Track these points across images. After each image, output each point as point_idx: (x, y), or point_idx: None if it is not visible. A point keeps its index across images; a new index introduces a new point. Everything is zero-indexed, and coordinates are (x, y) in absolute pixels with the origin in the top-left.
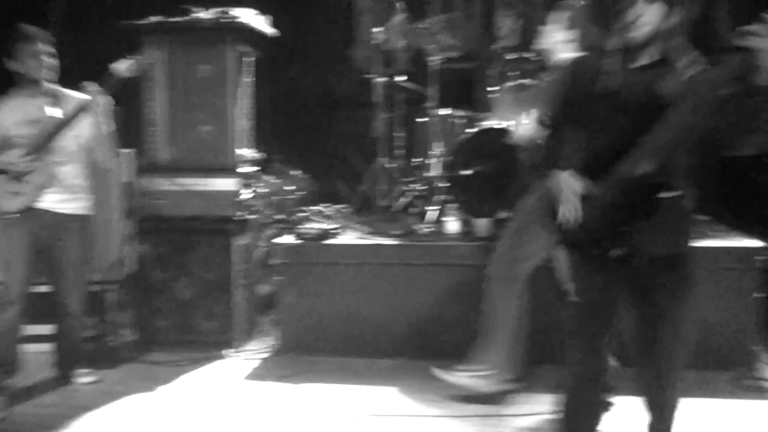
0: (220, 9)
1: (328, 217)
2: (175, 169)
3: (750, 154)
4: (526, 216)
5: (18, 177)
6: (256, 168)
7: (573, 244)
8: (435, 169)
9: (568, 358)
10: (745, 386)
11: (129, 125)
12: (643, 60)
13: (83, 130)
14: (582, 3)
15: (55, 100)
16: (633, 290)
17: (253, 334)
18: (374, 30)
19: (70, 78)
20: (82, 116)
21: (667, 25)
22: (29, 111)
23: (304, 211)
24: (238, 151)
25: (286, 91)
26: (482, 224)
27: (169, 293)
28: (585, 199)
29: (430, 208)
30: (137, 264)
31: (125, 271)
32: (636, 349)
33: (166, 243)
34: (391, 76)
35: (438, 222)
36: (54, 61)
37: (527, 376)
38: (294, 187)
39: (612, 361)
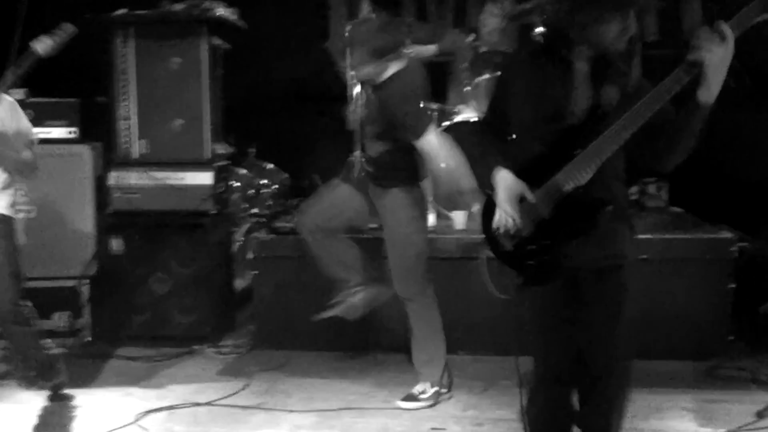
0: (191, 1)
1: None
2: (149, 163)
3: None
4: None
5: None
6: (230, 162)
7: (504, 256)
8: None
9: (532, 353)
10: (720, 376)
11: (101, 119)
12: (581, 65)
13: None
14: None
15: None
16: (568, 304)
17: (230, 328)
18: (348, 23)
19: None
20: None
21: (614, 32)
22: None
23: (280, 205)
24: (213, 145)
25: (260, 85)
26: (458, 217)
27: (143, 288)
28: (521, 204)
29: None
30: (111, 259)
31: (98, 267)
32: (576, 372)
33: (140, 238)
34: None
35: None
36: None
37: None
38: (269, 181)
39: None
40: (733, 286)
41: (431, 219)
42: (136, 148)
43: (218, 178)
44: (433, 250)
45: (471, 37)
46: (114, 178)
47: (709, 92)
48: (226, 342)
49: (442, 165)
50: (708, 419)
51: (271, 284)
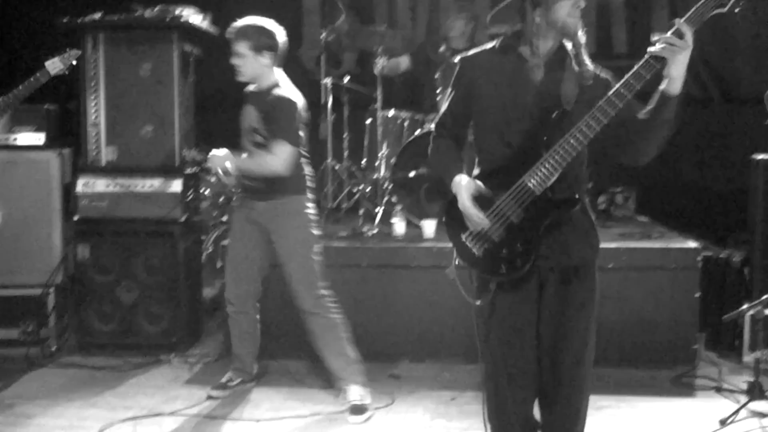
0: (162, 6)
1: None
2: (117, 170)
3: (642, 164)
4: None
5: None
6: (200, 169)
7: (474, 263)
8: (382, 171)
9: (484, 362)
10: (685, 384)
11: (69, 125)
12: (542, 61)
13: None
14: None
15: None
16: (534, 306)
17: (198, 338)
18: (321, 31)
19: (6, 75)
20: None
21: (566, 7)
22: None
23: None
24: (182, 152)
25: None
26: (428, 226)
27: (111, 297)
28: (487, 208)
29: (377, 210)
30: (78, 267)
31: (65, 275)
32: (542, 377)
33: (108, 245)
34: (338, 78)
35: (384, 224)
36: None
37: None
38: (239, 189)
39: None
40: (699, 294)
41: (401, 227)
42: (105, 154)
43: (188, 186)
44: (403, 258)
45: (443, 47)
46: (82, 185)
47: (673, 85)
48: (194, 351)
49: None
50: (673, 427)
51: None
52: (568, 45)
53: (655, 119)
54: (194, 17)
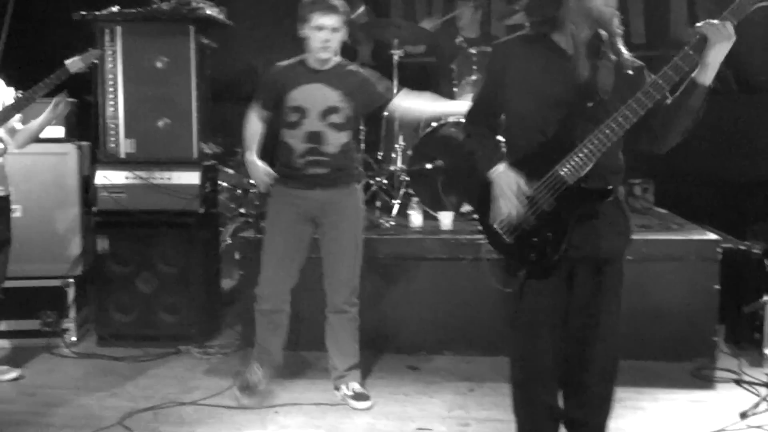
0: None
1: None
2: (136, 162)
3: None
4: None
5: None
6: (217, 161)
7: (504, 250)
8: (398, 163)
9: (511, 352)
10: (704, 377)
11: (88, 118)
12: (578, 50)
13: None
14: None
15: None
16: (563, 297)
17: (216, 329)
18: None
19: (23, 70)
20: None
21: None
22: None
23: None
24: (200, 144)
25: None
26: (445, 218)
27: (130, 288)
28: (521, 197)
29: (394, 201)
30: (97, 258)
31: (84, 266)
32: (568, 366)
33: (126, 237)
34: None
35: (401, 215)
36: None
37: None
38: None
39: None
40: (718, 286)
41: (418, 219)
42: (123, 147)
43: (205, 178)
44: (420, 250)
45: (459, 39)
46: (100, 177)
47: (707, 74)
48: (212, 342)
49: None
50: (693, 419)
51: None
52: (604, 34)
53: (680, 107)
54: (210, 10)
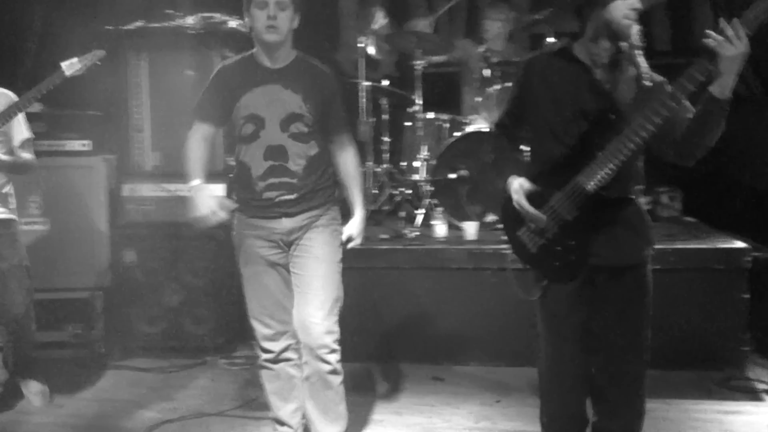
0: (204, 14)
1: None
2: (162, 174)
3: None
4: None
5: None
6: None
7: (528, 259)
8: (421, 173)
9: (539, 362)
10: (733, 387)
11: (114, 131)
12: (599, 62)
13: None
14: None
15: None
16: (585, 306)
17: (243, 340)
18: (358, 34)
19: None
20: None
21: (622, 8)
22: None
23: None
24: (225, 157)
25: None
26: (469, 227)
27: (157, 299)
28: (544, 207)
29: (418, 211)
30: (124, 271)
31: (112, 278)
32: (595, 376)
33: (153, 249)
34: (377, 81)
35: (425, 226)
36: None
37: None
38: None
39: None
40: (748, 296)
41: (443, 229)
42: (150, 160)
43: (231, 190)
44: (445, 260)
45: (482, 48)
46: (127, 190)
47: (723, 88)
48: (239, 353)
49: None
50: (722, 430)
51: None
52: (624, 45)
53: (700, 120)
54: (235, 24)
